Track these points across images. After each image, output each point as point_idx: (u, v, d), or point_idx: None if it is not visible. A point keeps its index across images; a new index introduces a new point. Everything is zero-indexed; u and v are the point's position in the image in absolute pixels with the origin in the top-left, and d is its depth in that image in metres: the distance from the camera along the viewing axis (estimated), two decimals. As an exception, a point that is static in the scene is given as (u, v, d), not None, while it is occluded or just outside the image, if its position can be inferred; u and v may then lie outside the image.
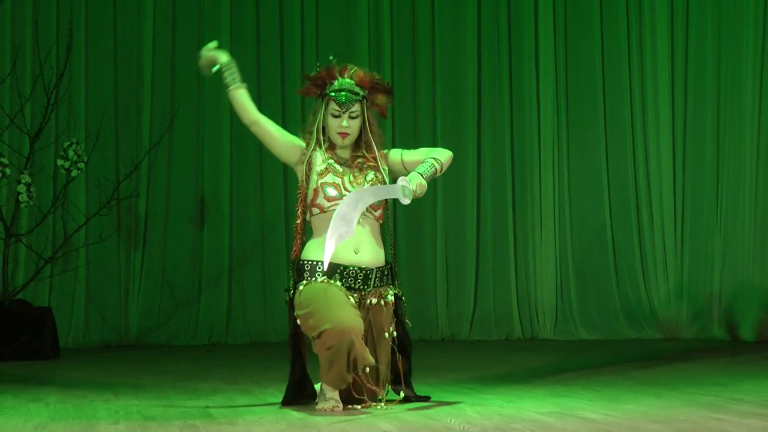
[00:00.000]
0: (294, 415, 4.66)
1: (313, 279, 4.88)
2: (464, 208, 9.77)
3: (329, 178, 4.95)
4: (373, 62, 9.68)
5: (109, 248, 9.21)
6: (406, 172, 5.00)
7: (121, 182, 8.88)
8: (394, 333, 5.00)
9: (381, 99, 5.12)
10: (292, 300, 4.92)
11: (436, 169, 5.00)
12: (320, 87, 5.05)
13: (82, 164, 8.36)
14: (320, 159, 5.00)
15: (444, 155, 5.09)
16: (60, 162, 8.35)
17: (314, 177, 4.96)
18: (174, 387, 5.96)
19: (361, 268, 4.92)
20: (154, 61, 9.48)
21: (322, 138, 5.03)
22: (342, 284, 4.88)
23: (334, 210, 4.82)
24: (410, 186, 4.85)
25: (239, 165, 9.53)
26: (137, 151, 9.27)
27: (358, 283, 4.92)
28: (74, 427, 4.42)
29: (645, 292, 9.67)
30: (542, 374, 6.49)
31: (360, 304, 4.91)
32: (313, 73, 5.09)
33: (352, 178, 4.99)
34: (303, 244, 5.00)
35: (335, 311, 4.71)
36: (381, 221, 5.04)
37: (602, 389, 5.54)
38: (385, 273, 5.01)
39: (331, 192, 4.94)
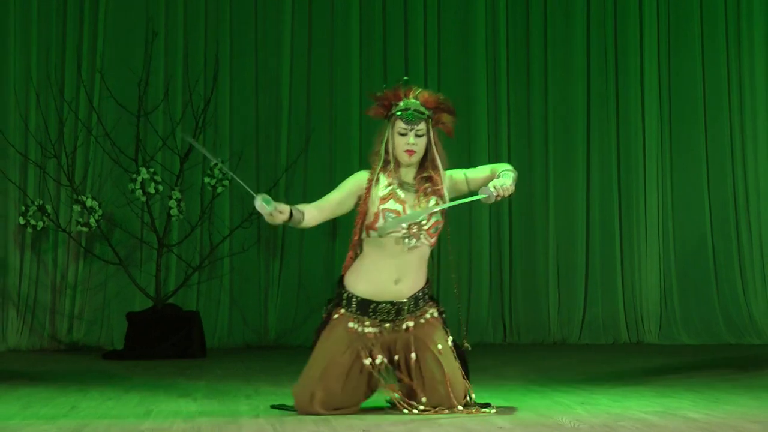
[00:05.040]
0: (423, 416, 4.66)
1: (346, 312, 4.69)
2: (574, 220, 9.70)
3: (391, 204, 4.69)
4: (490, 86, 9.69)
5: (250, 257, 9.32)
6: (468, 190, 4.80)
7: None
8: (449, 344, 4.74)
9: (446, 118, 4.87)
10: (324, 321, 4.75)
11: (513, 177, 4.74)
12: (387, 108, 4.86)
13: (227, 182, 8.49)
14: (384, 182, 4.75)
15: (510, 166, 4.84)
16: (207, 179, 8.49)
17: (377, 200, 4.70)
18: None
19: (393, 303, 4.67)
20: (292, 87, 9.58)
21: (389, 158, 4.78)
22: (374, 319, 4.67)
23: (393, 236, 4.64)
24: (490, 191, 4.63)
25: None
26: (276, 168, 9.37)
27: (391, 316, 4.69)
28: (219, 420, 4.48)
29: (744, 299, 9.50)
30: (647, 376, 6.41)
31: (396, 337, 4.69)
32: (380, 94, 4.90)
33: (414, 204, 4.71)
34: (353, 260, 4.79)
35: (321, 383, 4.58)
36: (433, 247, 4.81)
37: (703, 390, 5.45)
38: (419, 297, 4.73)
39: (393, 217, 4.66)
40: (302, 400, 4.60)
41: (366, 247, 4.74)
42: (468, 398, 4.70)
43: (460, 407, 4.60)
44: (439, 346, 4.69)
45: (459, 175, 4.84)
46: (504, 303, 9.60)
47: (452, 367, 4.68)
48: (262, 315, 9.37)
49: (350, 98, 9.60)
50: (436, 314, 4.77)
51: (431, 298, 4.82)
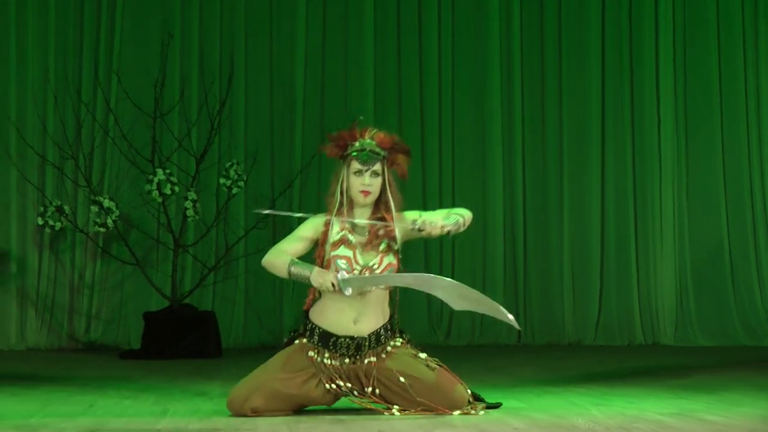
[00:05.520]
0: (437, 416, 4.65)
1: (308, 342, 4.69)
2: (589, 221, 9.69)
3: (341, 250, 4.66)
4: (504, 87, 9.69)
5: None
6: (421, 234, 4.67)
7: (276, 199, 9.00)
8: (420, 359, 4.68)
9: (401, 159, 4.78)
10: (286, 344, 4.76)
11: (459, 223, 4.63)
12: (342, 148, 4.81)
13: (242, 182, 8.51)
14: (336, 228, 4.71)
15: (466, 214, 4.71)
16: (222, 180, 8.51)
17: (328, 248, 4.69)
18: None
19: (353, 338, 4.64)
20: (306, 88, 9.59)
21: (344, 199, 4.74)
22: (334, 352, 4.64)
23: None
24: (418, 224, 4.59)
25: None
26: (290, 170, 9.39)
27: (351, 351, 4.64)
28: (234, 420, 4.49)
29: (761, 301, 9.48)
30: (663, 377, 6.39)
31: (357, 368, 4.65)
32: (335, 134, 4.85)
33: (362, 250, 4.67)
34: (314, 299, 4.77)
35: (254, 381, 4.60)
36: (390, 290, 4.79)
37: (720, 393, 5.43)
38: (381, 333, 4.69)
39: (342, 265, 4.63)
40: (236, 402, 4.58)
41: (325, 292, 4.71)
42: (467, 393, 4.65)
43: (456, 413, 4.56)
44: (404, 374, 4.61)
45: (413, 215, 4.75)
46: (519, 304, 9.59)
47: (432, 375, 4.63)
48: (277, 315, 9.38)
49: (364, 99, 9.61)
50: (398, 343, 4.73)
51: (395, 332, 4.78)
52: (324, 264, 4.70)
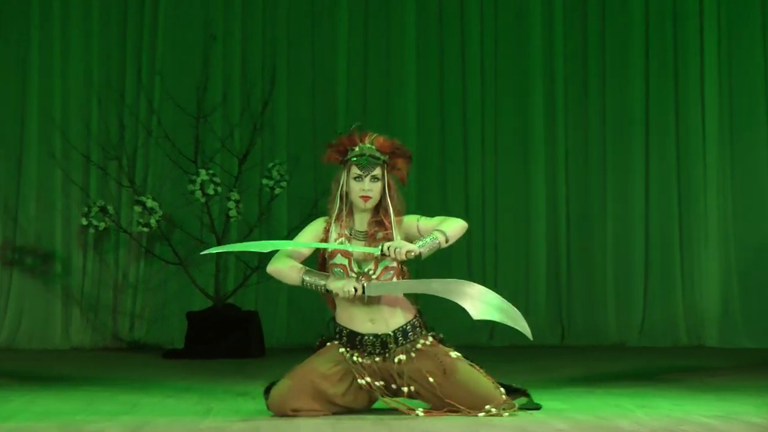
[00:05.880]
0: (481, 417, 4.64)
1: (338, 343, 4.69)
2: (633, 221, 9.63)
3: (338, 259, 4.66)
4: (547, 88, 9.65)
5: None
6: (419, 236, 4.67)
7: (318, 199, 9.00)
8: (453, 358, 4.66)
9: (401, 164, 4.78)
10: (318, 346, 4.76)
11: (438, 241, 4.60)
12: (342, 153, 4.81)
13: (285, 183, 8.53)
14: (334, 236, 4.72)
15: (452, 227, 4.67)
16: (265, 181, 8.53)
17: (326, 256, 4.72)
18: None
19: (376, 335, 4.65)
20: (348, 89, 9.61)
21: (344, 205, 4.74)
22: (362, 351, 4.65)
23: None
24: (385, 245, 4.56)
25: (424, 184, 9.57)
26: (332, 171, 9.37)
27: (378, 349, 4.65)
28: (277, 420, 4.50)
29: (807, 304, 9.41)
30: (708, 379, 6.34)
31: (388, 367, 4.65)
32: (335, 141, 4.85)
33: (358, 257, 4.65)
34: (335, 305, 4.74)
35: (292, 380, 4.60)
36: (401, 277, 4.75)
37: (766, 395, 5.38)
38: (408, 330, 4.70)
39: (340, 272, 4.65)
40: (277, 402, 4.59)
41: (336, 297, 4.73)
42: (498, 394, 4.61)
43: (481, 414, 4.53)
44: (434, 374, 4.61)
45: (413, 220, 4.75)
46: (562, 305, 9.55)
47: (464, 375, 4.62)
48: (320, 315, 9.38)
49: (406, 100, 9.61)
50: (429, 342, 4.71)
51: (424, 328, 4.76)
52: (327, 271, 4.70)
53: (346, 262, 4.67)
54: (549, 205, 9.66)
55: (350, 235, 4.72)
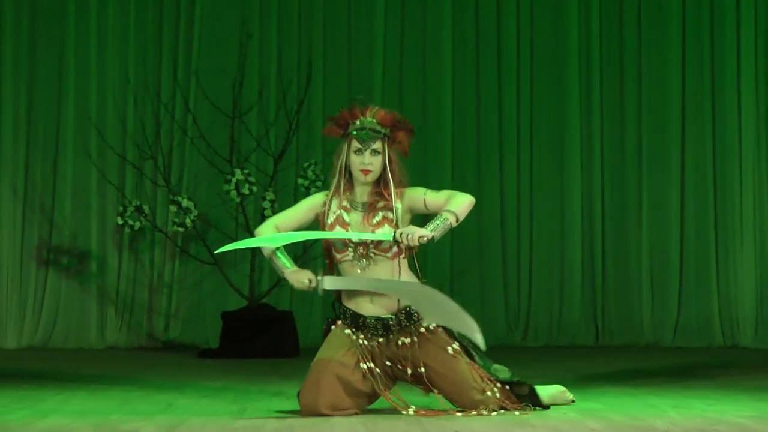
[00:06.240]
0: (514, 416, 4.64)
1: (343, 324, 4.73)
2: (668, 221, 9.58)
3: (336, 230, 4.68)
4: (583, 85, 9.62)
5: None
6: (427, 211, 4.70)
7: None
8: (451, 351, 4.67)
9: (402, 137, 4.77)
10: (325, 331, 4.80)
11: (449, 222, 4.59)
12: (343, 127, 4.81)
13: (320, 183, 8.53)
14: (334, 207, 4.74)
15: (461, 204, 4.68)
16: (300, 181, 8.54)
17: (326, 228, 4.72)
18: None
19: (378, 318, 4.66)
20: (384, 88, 9.61)
21: (343, 179, 4.75)
22: (366, 333, 4.68)
23: (345, 261, 4.68)
24: (391, 238, 4.56)
25: (460, 183, 9.56)
26: (368, 170, 9.38)
27: (380, 331, 4.68)
28: (311, 419, 4.51)
29: None
30: (743, 379, 6.30)
31: (389, 349, 4.69)
32: (336, 114, 4.85)
33: (357, 228, 4.66)
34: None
35: (315, 377, 4.62)
36: (401, 257, 4.71)
37: (801, 395, 5.36)
38: (412, 311, 4.68)
39: (339, 243, 4.69)
40: (306, 403, 4.61)
41: (340, 271, 4.77)
42: (490, 395, 4.63)
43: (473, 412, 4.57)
44: (448, 351, 4.66)
45: (418, 193, 4.75)
46: (596, 305, 9.52)
47: (459, 374, 4.65)
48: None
49: (442, 99, 9.61)
50: (432, 326, 4.71)
51: None
52: (326, 244, 4.75)
53: (344, 234, 4.69)
54: (584, 203, 9.63)
55: (350, 206, 4.75)
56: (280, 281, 8.78)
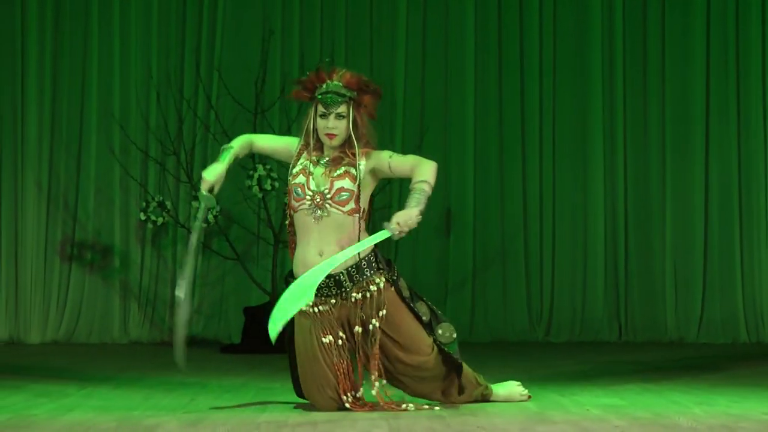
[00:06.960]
0: (531, 408, 4.63)
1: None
2: (692, 217, 9.53)
3: (299, 179, 4.73)
4: (606, 85, 9.58)
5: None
6: (391, 175, 4.77)
7: (375, 195, 9.00)
8: (376, 324, 4.70)
9: (368, 100, 4.79)
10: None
11: (427, 192, 4.65)
12: (310, 91, 4.81)
13: (342, 179, 8.53)
14: (302, 160, 4.79)
15: (429, 171, 4.72)
16: (321, 176, 8.53)
17: (289, 178, 4.78)
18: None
19: (329, 276, 4.62)
20: (406, 87, 9.60)
21: (311, 140, 4.78)
22: (319, 297, 4.67)
23: (302, 209, 4.69)
24: (392, 229, 4.53)
25: (482, 180, 9.56)
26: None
27: (332, 290, 4.69)
28: (333, 415, 4.51)
29: None
30: (767, 377, 6.28)
31: (345, 305, 4.72)
32: (303, 78, 4.86)
33: (320, 177, 4.70)
34: (294, 247, 4.80)
35: (314, 392, 4.70)
36: (357, 215, 4.72)
37: (827, 392, 5.33)
38: (362, 267, 4.69)
39: (299, 191, 4.72)
40: (315, 401, 4.70)
41: (296, 228, 4.78)
42: (438, 347, 4.76)
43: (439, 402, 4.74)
44: (383, 318, 4.70)
45: (384, 155, 4.77)
46: (620, 301, 9.49)
47: (408, 332, 4.73)
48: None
49: (464, 98, 9.58)
50: (382, 284, 4.73)
51: (381, 267, 4.76)
52: (288, 195, 4.80)
53: (304, 180, 4.72)
54: (607, 199, 9.59)
55: (317, 161, 4.77)
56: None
